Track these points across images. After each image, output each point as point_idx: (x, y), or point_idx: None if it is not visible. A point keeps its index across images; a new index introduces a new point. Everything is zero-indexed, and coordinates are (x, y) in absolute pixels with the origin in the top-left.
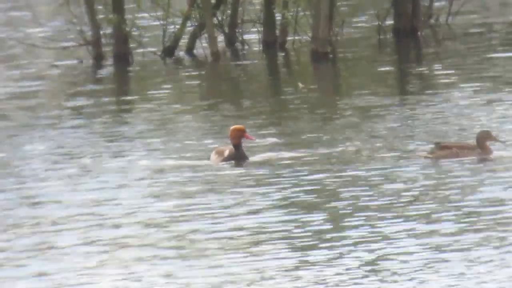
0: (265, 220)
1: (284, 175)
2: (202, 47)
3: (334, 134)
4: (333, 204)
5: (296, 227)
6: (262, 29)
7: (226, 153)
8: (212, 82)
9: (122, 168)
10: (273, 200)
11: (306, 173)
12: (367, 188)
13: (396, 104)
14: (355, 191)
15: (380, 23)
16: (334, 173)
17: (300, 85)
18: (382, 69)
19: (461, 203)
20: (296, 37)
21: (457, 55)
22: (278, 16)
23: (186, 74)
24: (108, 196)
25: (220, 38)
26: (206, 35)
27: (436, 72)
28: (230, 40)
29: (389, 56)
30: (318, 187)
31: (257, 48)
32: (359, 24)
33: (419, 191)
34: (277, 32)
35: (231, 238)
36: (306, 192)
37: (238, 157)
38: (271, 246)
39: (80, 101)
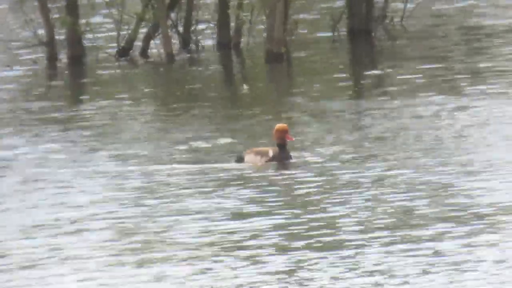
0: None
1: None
2: (156, 48)
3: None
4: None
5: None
6: (216, 29)
7: (271, 153)
8: (166, 84)
9: (77, 174)
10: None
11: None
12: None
13: (348, 107)
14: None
15: (334, 23)
16: (286, 176)
17: (245, 87)
18: (336, 70)
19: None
20: (251, 37)
21: (410, 56)
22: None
23: (140, 75)
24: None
25: (175, 39)
26: (160, 36)
27: (390, 74)
28: (185, 41)
29: (343, 57)
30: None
31: (211, 49)
32: (314, 25)
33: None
34: (232, 32)
35: (224, 241)
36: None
37: (283, 157)
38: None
39: (32, 103)
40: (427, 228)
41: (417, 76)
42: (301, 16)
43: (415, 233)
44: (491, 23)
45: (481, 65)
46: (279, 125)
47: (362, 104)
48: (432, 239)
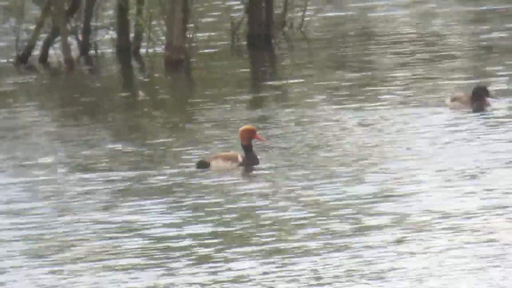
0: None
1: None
2: (56, 54)
3: (188, 145)
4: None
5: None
6: (116, 35)
7: (240, 158)
8: (65, 91)
9: None
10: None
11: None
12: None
13: (247, 115)
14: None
15: (234, 30)
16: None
17: (141, 94)
18: (235, 77)
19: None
20: (150, 44)
21: (308, 63)
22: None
23: (39, 82)
24: None
25: (74, 45)
26: (60, 42)
27: (289, 81)
28: (84, 47)
29: (242, 64)
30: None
31: (111, 55)
32: (213, 31)
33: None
34: (131, 38)
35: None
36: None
37: (250, 160)
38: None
39: None
40: (351, 237)
41: (315, 83)
42: (201, 22)
43: (338, 241)
44: (386, 30)
45: (374, 72)
46: (245, 126)
47: (259, 112)
48: (356, 247)
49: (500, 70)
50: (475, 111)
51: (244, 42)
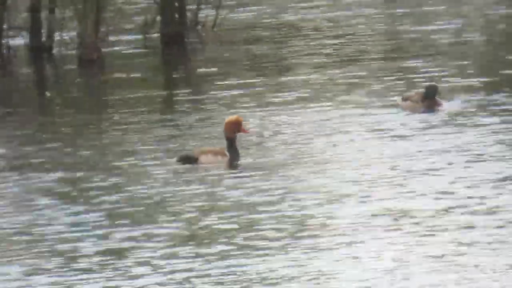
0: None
1: None
2: None
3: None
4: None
5: None
6: (28, 34)
7: (227, 153)
8: None
9: None
10: None
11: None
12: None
13: (158, 117)
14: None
15: (147, 28)
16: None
17: (48, 94)
18: (147, 76)
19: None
20: (64, 44)
21: (221, 61)
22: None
23: None
24: None
25: None
26: None
27: (203, 79)
28: None
29: (155, 64)
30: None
31: (23, 54)
32: (127, 31)
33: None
34: (44, 38)
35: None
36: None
37: (232, 154)
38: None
39: None
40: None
41: (229, 81)
42: (114, 22)
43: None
44: (304, 31)
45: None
46: (233, 117)
47: (171, 112)
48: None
49: (449, 70)
50: (426, 110)
51: (158, 41)
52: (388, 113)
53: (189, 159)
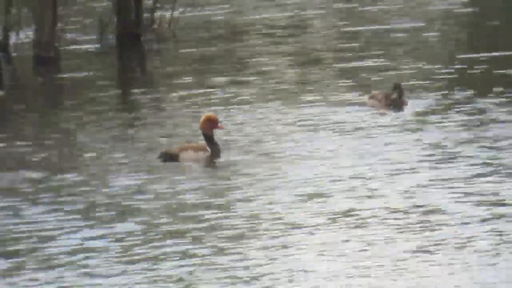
0: None
1: None
2: None
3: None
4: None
5: None
6: None
7: (208, 148)
8: None
9: None
10: None
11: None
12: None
13: (117, 116)
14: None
15: (103, 26)
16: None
17: (0, 93)
18: (103, 74)
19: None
20: (20, 43)
21: (177, 60)
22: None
23: None
24: None
25: None
26: None
27: (159, 78)
28: None
29: (111, 63)
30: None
31: None
32: (84, 27)
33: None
34: (0, 37)
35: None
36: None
37: (213, 149)
38: None
39: None
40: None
41: (186, 80)
42: (71, 21)
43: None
44: (259, 29)
45: (246, 73)
46: (208, 114)
47: (127, 111)
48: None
49: (416, 68)
50: (391, 108)
51: (114, 39)
52: (355, 111)
53: (169, 156)
